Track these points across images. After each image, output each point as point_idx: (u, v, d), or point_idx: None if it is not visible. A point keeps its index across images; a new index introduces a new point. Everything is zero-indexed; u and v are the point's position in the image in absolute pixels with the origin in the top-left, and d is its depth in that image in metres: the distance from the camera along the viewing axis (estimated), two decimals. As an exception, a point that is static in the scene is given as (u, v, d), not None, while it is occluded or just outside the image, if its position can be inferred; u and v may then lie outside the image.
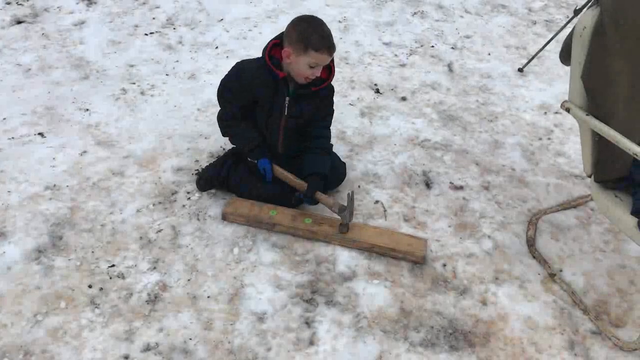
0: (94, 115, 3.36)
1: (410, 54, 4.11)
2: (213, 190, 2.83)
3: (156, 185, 2.87)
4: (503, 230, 2.71)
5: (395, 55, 4.09)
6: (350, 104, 3.53)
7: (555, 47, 3.95)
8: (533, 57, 3.90)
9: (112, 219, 2.66)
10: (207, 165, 2.88)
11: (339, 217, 2.62)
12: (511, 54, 4.20)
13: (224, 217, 2.66)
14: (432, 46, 4.23)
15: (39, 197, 2.74)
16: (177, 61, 3.92)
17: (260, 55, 2.53)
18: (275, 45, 2.51)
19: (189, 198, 2.80)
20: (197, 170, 2.96)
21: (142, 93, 3.57)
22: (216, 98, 2.73)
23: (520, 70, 3.95)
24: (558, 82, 3.86)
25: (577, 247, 2.65)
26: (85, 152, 3.06)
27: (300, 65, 2.42)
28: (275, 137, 2.67)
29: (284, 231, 2.61)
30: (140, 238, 2.58)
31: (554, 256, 2.60)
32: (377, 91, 3.68)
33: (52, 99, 3.49)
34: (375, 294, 2.37)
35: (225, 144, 3.12)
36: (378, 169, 3.02)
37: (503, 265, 2.54)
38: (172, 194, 2.82)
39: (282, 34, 2.49)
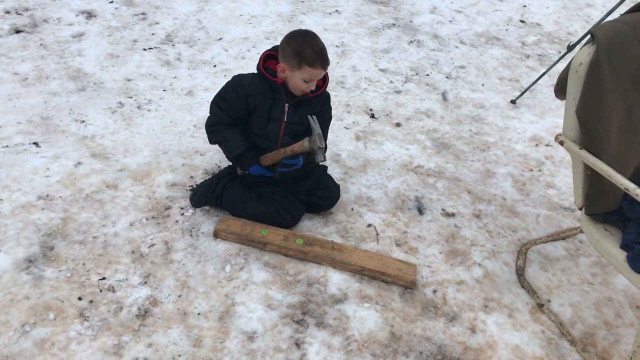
0: (89, 127, 3.37)
1: (406, 81, 4.17)
2: (207, 207, 2.84)
3: (150, 199, 2.87)
4: (493, 258, 2.73)
5: (391, 81, 4.15)
6: (345, 127, 3.57)
7: (548, 81, 4.05)
8: (526, 90, 3.97)
9: (105, 232, 2.66)
10: (201, 182, 2.89)
11: (330, 239, 2.63)
12: (504, 86, 4.28)
13: (216, 235, 2.66)
14: (427, 75, 4.30)
15: (31, 207, 2.73)
16: (175, 77, 3.95)
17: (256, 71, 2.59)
18: (268, 57, 2.55)
19: (182, 214, 2.80)
20: (192, 186, 2.96)
21: (139, 107, 3.59)
22: (211, 102, 2.73)
23: (513, 102, 4.02)
24: (549, 115, 3.94)
25: (565, 279, 2.68)
26: (79, 163, 3.06)
27: (296, 80, 2.46)
28: (272, 146, 2.68)
29: (275, 251, 2.62)
30: (132, 252, 2.57)
31: (542, 286, 2.63)
32: (372, 116, 3.72)
33: (48, 109, 3.49)
34: (365, 317, 2.37)
35: (220, 161, 3.14)
36: (371, 193, 3.04)
37: (493, 294, 2.56)
38: (166, 209, 2.83)
39: (276, 46, 2.54)
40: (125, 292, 2.39)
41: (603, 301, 2.57)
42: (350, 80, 4.11)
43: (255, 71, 2.58)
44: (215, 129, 2.66)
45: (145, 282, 2.44)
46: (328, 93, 2.71)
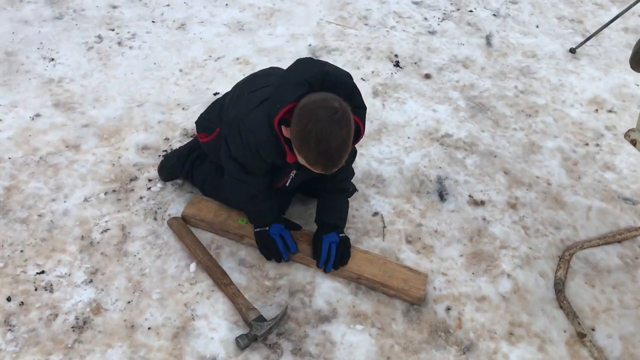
0: (58, 68, 2.85)
1: (443, 19, 3.46)
2: (179, 181, 2.34)
3: (114, 166, 2.39)
4: (527, 266, 2.19)
5: (425, 18, 3.45)
6: (362, 78, 2.95)
7: (620, 23, 3.31)
8: (591, 37, 3.23)
9: (53, 209, 2.20)
10: (172, 151, 2.38)
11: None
12: (563, 28, 3.52)
13: (185, 220, 2.18)
14: (471, 11, 3.57)
15: (-29, 171, 2.29)
16: (168, 5, 3.35)
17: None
18: (289, 111, 1.72)
19: (149, 188, 2.31)
20: (166, 151, 2.46)
21: (120, 43, 3.04)
22: (227, 172, 2.03)
23: (573, 51, 3.29)
24: (616, 69, 3.20)
25: (617, 298, 2.12)
26: (38, 115, 2.58)
27: (298, 158, 1.76)
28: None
29: (254, 245, 2.12)
30: (82, 238, 2.12)
31: (586, 308, 2.08)
32: (397, 64, 3.08)
33: (15, 42, 2.98)
34: (356, 344, 1.89)
35: (204, 120, 2.61)
36: (383, 170, 2.48)
37: (521, 316, 2.04)
38: (131, 180, 2.34)
39: (301, 95, 1.70)
40: (65, 292, 1.96)
41: (664, 335, 2.03)
42: (375, 15, 3.43)
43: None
44: (258, 198, 2.05)
45: (91, 281, 1.99)
46: (354, 149, 2.04)
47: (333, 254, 2.05)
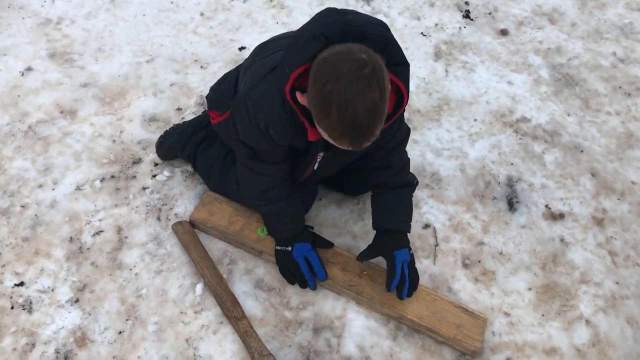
0: (58, 4, 2.40)
1: (528, -48, 2.80)
2: (190, 168, 1.94)
3: (114, 143, 1.99)
4: (611, 310, 1.75)
5: (506, -50, 2.79)
6: (422, 33, 2.40)
7: None
8: None
9: (39, 198, 1.84)
10: (174, 126, 1.95)
11: (366, 261, 1.72)
12: (680, -31, 2.82)
13: (193, 225, 1.79)
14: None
15: (-54, 142, 1.93)
16: None
17: None
18: (304, 75, 1.30)
19: (154, 176, 1.92)
20: (177, 124, 2.04)
21: (132, -27, 2.53)
22: (238, 158, 1.63)
23: (690, 3, 2.63)
24: None
25: None
26: (30, 69, 2.17)
27: (321, 134, 1.32)
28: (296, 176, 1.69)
29: (275, 262, 1.74)
30: (70, 240, 1.77)
31: (684, 370, 1.67)
32: (467, 15, 2.50)
33: (10, -35, 2.51)
34: (391, 408, 1.55)
35: (225, 85, 2.15)
36: (441, 165, 2.01)
37: (600, 378, 1.64)
38: (133, 162, 1.95)
39: (315, 53, 1.26)
40: (46, 314, 1.63)
41: None
42: (444, -57, 2.79)
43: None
44: (272, 194, 1.63)
45: (77, 300, 1.66)
46: (406, 126, 1.63)
47: (407, 277, 1.64)
